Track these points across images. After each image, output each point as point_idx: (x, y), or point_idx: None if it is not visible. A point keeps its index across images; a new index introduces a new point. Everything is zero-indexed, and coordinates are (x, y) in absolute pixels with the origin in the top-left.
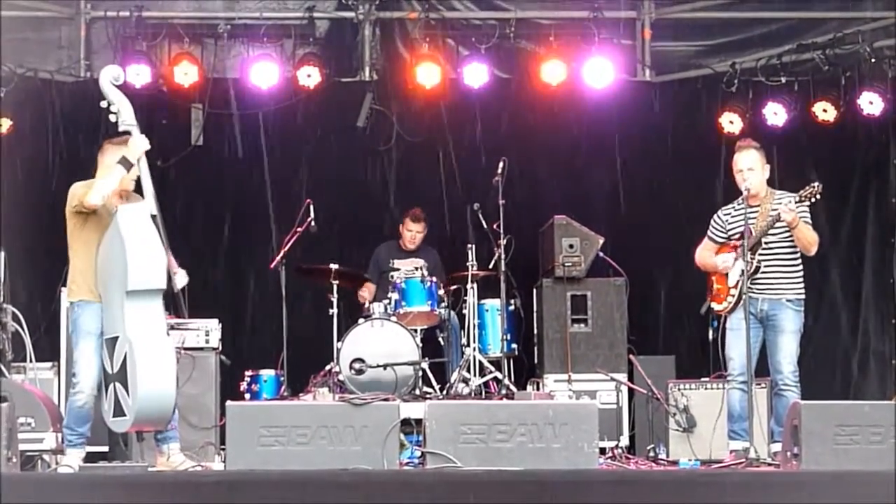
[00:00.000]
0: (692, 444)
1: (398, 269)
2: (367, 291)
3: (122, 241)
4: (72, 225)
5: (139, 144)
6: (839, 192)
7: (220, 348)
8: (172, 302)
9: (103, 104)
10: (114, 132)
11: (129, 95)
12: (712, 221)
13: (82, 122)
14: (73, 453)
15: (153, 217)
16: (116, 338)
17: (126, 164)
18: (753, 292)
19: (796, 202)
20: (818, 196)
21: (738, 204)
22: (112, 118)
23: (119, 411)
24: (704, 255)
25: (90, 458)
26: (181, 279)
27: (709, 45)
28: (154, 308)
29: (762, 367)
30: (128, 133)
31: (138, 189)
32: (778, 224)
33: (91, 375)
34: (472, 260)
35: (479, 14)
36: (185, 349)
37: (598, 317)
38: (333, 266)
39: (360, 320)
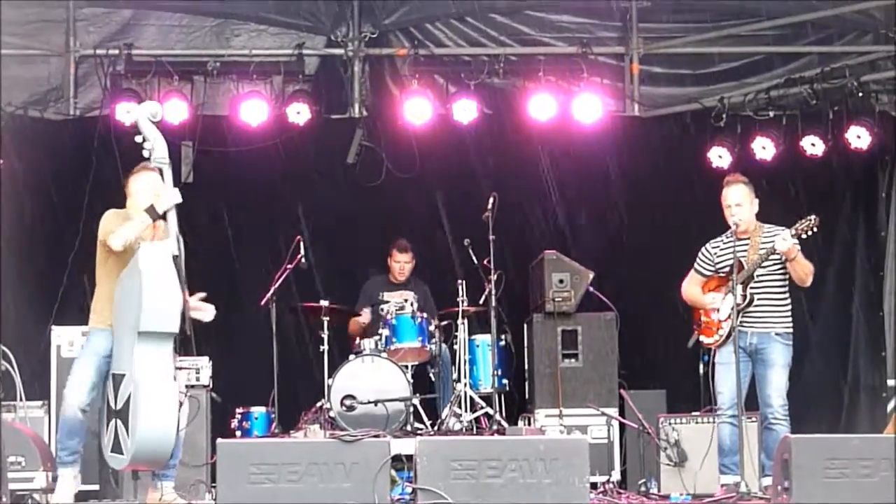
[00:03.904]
0: (683, 478)
1: (388, 302)
2: (364, 317)
3: (140, 279)
4: (99, 252)
5: (170, 198)
6: (828, 226)
7: (211, 385)
8: (182, 342)
9: (138, 139)
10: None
11: (119, 133)
12: (700, 254)
13: (73, 161)
14: (65, 473)
15: (174, 258)
16: (123, 375)
17: (153, 213)
18: (743, 326)
19: (792, 235)
20: (815, 230)
21: (727, 237)
22: (145, 153)
23: (117, 448)
24: (692, 289)
25: (81, 496)
26: (209, 314)
27: (696, 76)
28: (163, 350)
29: (752, 400)
30: (158, 169)
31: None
32: (771, 257)
33: (81, 391)
34: (463, 295)
35: (468, 50)
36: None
37: (588, 352)
38: (324, 303)
39: (351, 356)
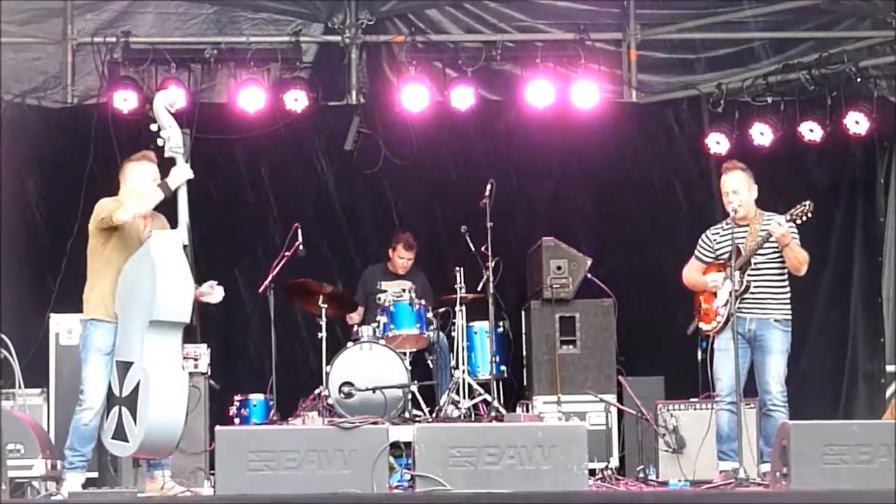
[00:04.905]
0: (682, 464)
1: (385, 291)
2: (356, 315)
3: (153, 268)
4: (94, 242)
5: (182, 173)
6: (826, 211)
7: (209, 373)
8: (187, 331)
9: (153, 127)
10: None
11: (116, 121)
12: (700, 241)
13: (70, 149)
14: (73, 477)
15: (184, 247)
16: (130, 363)
17: (166, 188)
18: (741, 312)
19: (787, 220)
20: (809, 215)
21: (726, 224)
22: (160, 142)
23: (121, 435)
24: (692, 274)
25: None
26: (218, 295)
27: (694, 62)
28: (174, 340)
29: (750, 387)
30: (172, 160)
31: (172, 217)
32: (767, 244)
33: (100, 394)
34: (461, 282)
35: (466, 37)
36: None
37: (586, 338)
38: (323, 283)
39: (349, 344)
